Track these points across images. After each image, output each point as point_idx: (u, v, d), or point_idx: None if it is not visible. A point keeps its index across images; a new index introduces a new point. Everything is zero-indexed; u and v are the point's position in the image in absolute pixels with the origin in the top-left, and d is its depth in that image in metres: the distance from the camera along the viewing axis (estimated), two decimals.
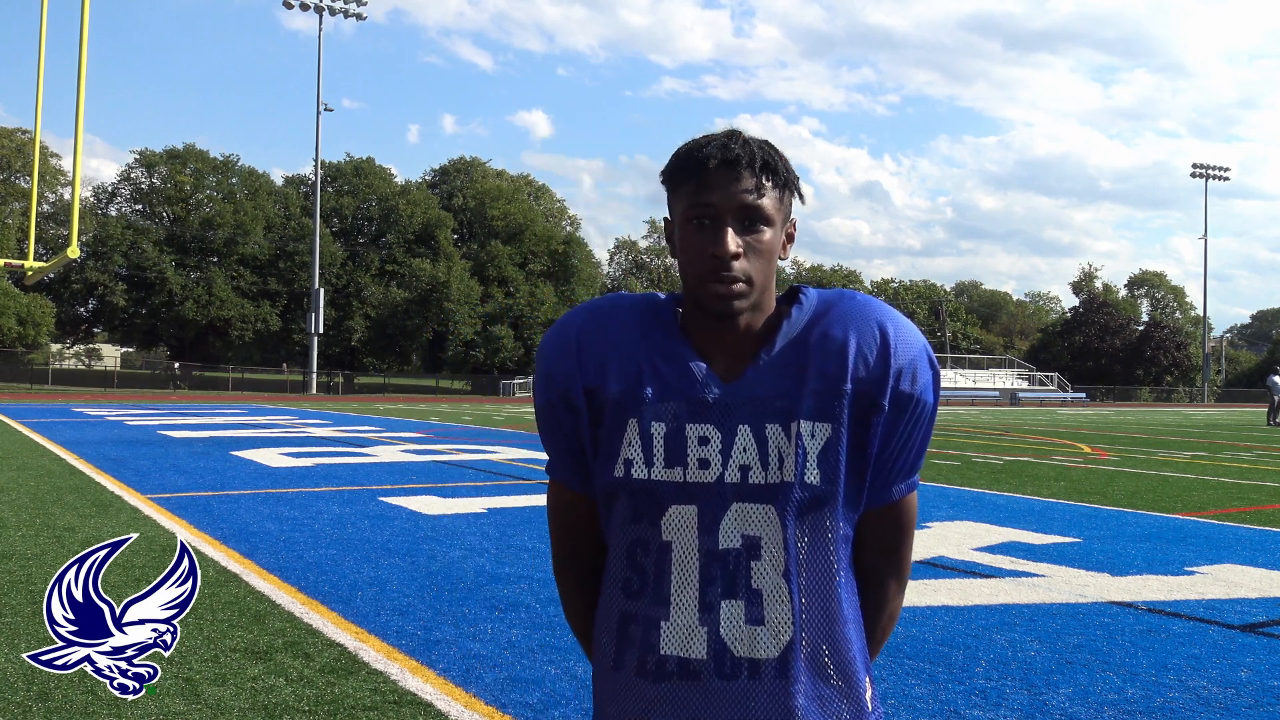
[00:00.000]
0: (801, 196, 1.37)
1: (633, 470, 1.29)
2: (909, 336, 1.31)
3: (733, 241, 1.26)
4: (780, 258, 1.33)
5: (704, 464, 1.28)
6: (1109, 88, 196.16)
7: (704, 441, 1.28)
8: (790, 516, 1.27)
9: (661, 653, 1.27)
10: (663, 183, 1.34)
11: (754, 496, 1.27)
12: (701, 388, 1.30)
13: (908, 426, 1.32)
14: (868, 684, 1.34)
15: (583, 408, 1.33)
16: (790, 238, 1.36)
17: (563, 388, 1.34)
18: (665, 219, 1.38)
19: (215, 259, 55.07)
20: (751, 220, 1.28)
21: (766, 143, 1.32)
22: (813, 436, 1.27)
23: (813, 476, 1.27)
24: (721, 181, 1.27)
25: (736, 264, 1.26)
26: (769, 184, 1.29)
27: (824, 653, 1.29)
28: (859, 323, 1.30)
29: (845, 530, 1.33)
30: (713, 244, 1.27)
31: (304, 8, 45.12)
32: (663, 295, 1.40)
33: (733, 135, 1.31)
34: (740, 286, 1.27)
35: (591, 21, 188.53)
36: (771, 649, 1.26)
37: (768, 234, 1.29)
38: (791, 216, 1.36)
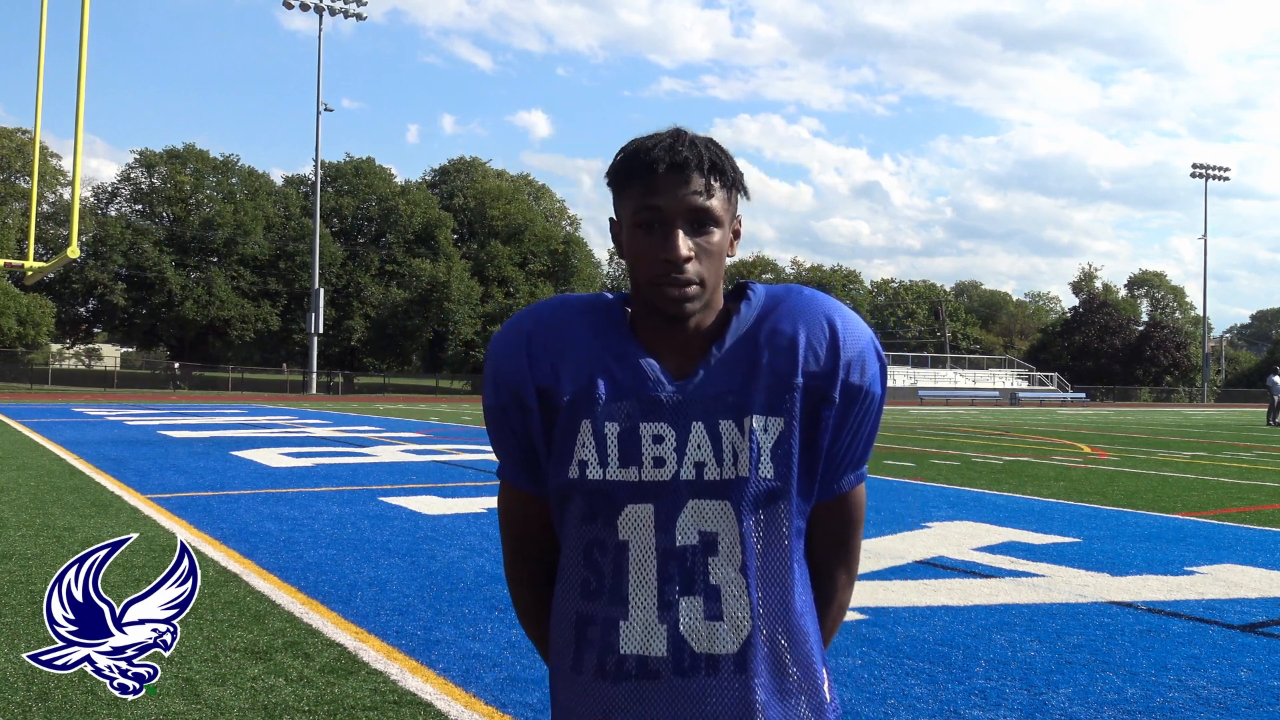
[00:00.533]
0: (747, 193, 1.37)
1: (588, 471, 1.29)
2: (856, 329, 1.33)
3: (684, 245, 1.26)
4: (727, 255, 1.33)
5: (659, 462, 1.28)
6: (1108, 88, 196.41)
7: (658, 440, 1.28)
8: (746, 511, 1.28)
9: (621, 652, 1.27)
10: (608, 184, 1.34)
11: (709, 493, 1.28)
12: (654, 386, 1.30)
13: (857, 418, 1.33)
14: (825, 675, 1.34)
15: (535, 408, 1.32)
16: (737, 235, 1.37)
17: (514, 388, 1.33)
18: (611, 219, 1.37)
19: (215, 259, 55.04)
20: (701, 222, 1.28)
21: (712, 142, 1.32)
22: (765, 431, 1.28)
23: (767, 471, 1.28)
24: (670, 184, 1.27)
25: (689, 267, 1.26)
26: (717, 184, 1.29)
27: (782, 646, 1.29)
28: (807, 317, 1.31)
29: (799, 524, 1.33)
30: (663, 248, 1.26)
31: (304, 8, 45.03)
32: (610, 295, 1.39)
33: (679, 136, 1.30)
34: (693, 290, 1.27)
35: (590, 21, 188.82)
36: (730, 644, 1.26)
37: (717, 235, 1.30)
38: (737, 214, 1.36)
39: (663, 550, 1.27)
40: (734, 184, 1.33)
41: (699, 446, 1.28)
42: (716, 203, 1.29)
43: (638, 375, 1.30)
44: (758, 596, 1.28)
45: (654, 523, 1.28)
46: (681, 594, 1.27)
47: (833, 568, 1.41)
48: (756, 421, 1.28)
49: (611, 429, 1.29)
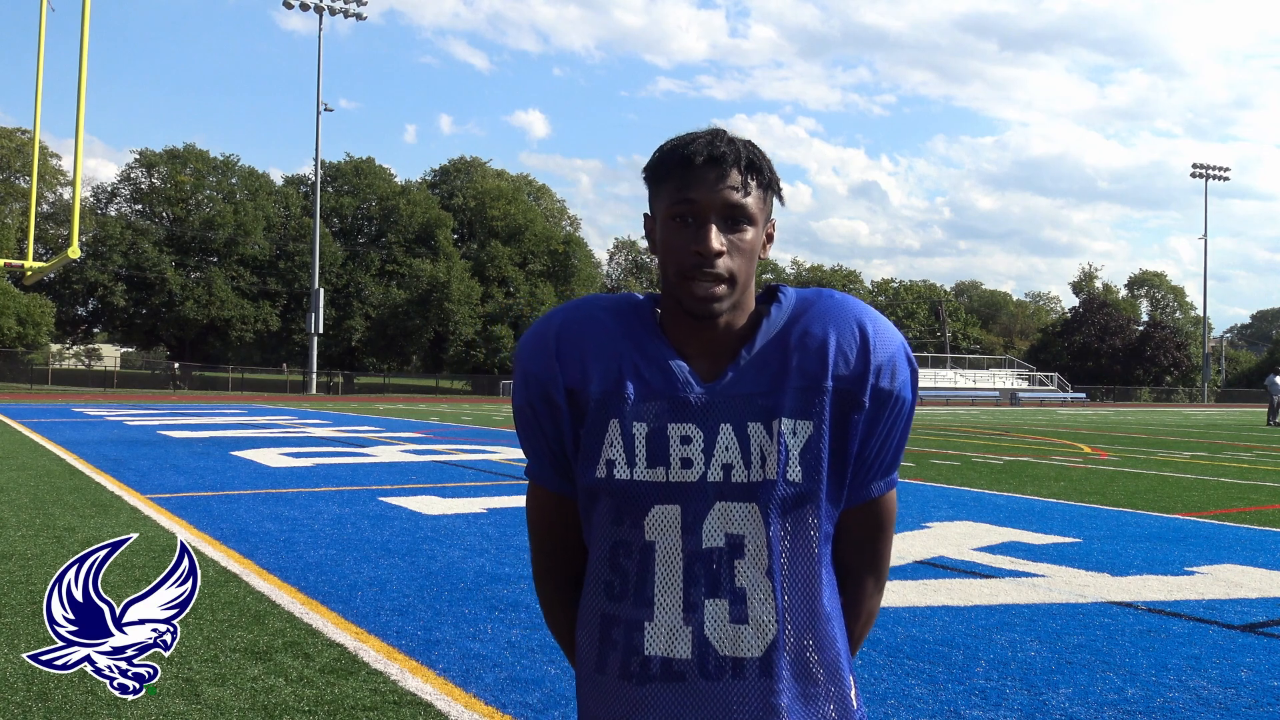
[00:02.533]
0: (782, 198, 1.37)
1: (615, 471, 1.28)
2: (887, 334, 1.32)
3: (716, 239, 1.26)
4: (760, 258, 1.33)
5: (686, 463, 1.28)
6: (1104, 88, 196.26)
7: (686, 441, 1.28)
8: (773, 515, 1.27)
9: (645, 654, 1.27)
10: (645, 179, 1.34)
11: (737, 495, 1.27)
12: (683, 387, 1.29)
13: (887, 423, 1.32)
14: (851, 682, 1.34)
15: (564, 407, 1.32)
16: (770, 238, 1.36)
17: (543, 388, 1.33)
18: (646, 215, 1.37)
19: (215, 259, 55.07)
20: (735, 219, 1.28)
21: (750, 142, 1.32)
22: (794, 434, 1.27)
23: (795, 474, 1.27)
24: (706, 179, 1.27)
25: (720, 261, 1.26)
26: (753, 183, 1.29)
27: (809, 651, 1.29)
28: (838, 320, 1.31)
29: (827, 528, 1.33)
30: (696, 241, 1.26)
31: (304, 8, 45.01)
32: (640, 296, 1.39)
33: (718, 134, 1.30)
34: (722, 288, 1.27)
35: (586, 22, 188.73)
36: (756, 648, 1.26)
37: (750, 233, 1.29)
38: (772, 217, 1.36)
39: (689, 552, 1.27)
40: (770, 185, 1.32)
41: (727, 448, 1.28)
42: (752, 201, 1.28)
43: (667, 376, 1.30)
44: (784, 601, 1.27)
45: (680, 524, 1.27)
46: (707, 596, 1.26)
47: (861, 574, 1.40)
48: (785, 424, 1.27)
49: (639, 429, 1.28)
